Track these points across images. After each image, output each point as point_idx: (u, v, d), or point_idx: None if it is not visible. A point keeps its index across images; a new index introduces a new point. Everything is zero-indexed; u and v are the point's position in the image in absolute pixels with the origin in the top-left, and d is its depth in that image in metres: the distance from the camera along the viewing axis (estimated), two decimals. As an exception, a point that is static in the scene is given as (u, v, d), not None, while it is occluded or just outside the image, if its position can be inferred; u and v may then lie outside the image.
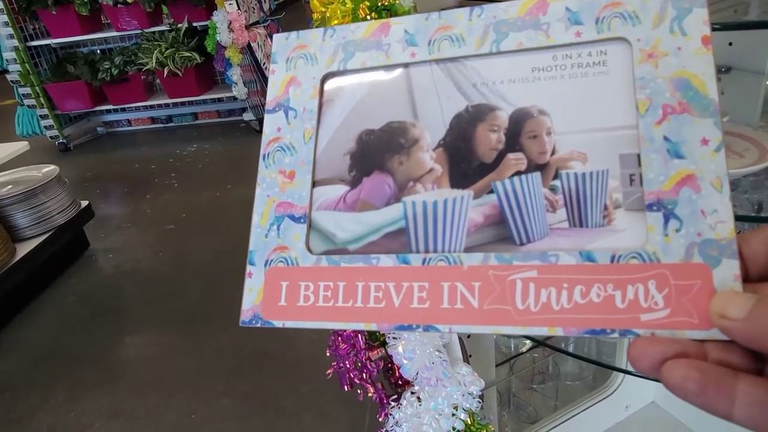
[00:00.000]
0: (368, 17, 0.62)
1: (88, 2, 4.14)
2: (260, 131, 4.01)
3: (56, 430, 1.94)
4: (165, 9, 4.37)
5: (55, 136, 4.56)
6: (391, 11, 0.65)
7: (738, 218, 0.77)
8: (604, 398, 1.38)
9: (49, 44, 4.43)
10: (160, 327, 2.42)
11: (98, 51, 4.67)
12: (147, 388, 2.08)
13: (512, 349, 1.28)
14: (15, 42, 4.19)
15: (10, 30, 4.16)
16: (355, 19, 0.62)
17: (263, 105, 4.49)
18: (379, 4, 0.62)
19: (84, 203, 3.00)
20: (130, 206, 3.66)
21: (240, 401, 1.97)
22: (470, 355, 1.12)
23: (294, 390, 1.97)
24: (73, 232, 2.92)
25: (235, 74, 4.21)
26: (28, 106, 4.43)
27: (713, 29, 0.34)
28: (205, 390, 2.03)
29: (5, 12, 4.10)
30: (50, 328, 2.49)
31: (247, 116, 4.52)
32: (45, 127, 4.51)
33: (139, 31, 4.29)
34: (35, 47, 4.37)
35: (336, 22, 0.64)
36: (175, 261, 2.91)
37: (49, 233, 2.74)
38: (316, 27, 0.74)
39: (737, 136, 0.75)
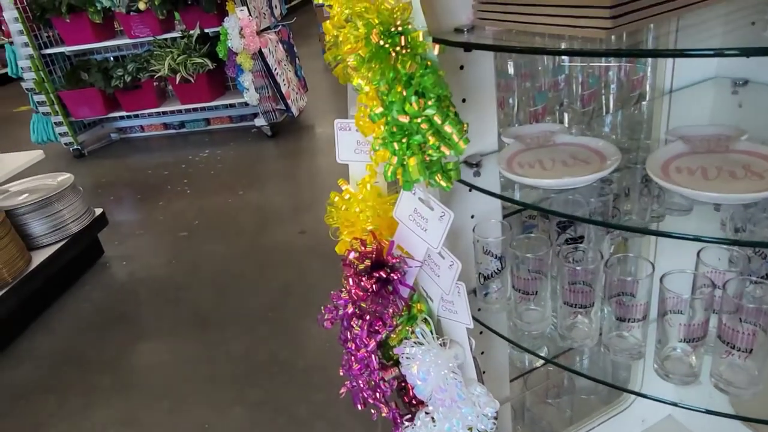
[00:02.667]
0: (381, 42, 0.61)
1: (102, 10, 4.18)
2: (271, 136, 4.00)
3: (71, 438, 1.95)
4: (177, 16, 4.40)
5: (70, 142, 4.61)
6: (404, 34, 0.64)
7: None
8: (620, 412, 1.37)
9: (63, 52, 4.48)
10: (173, 334, 2.43)
11: (111, 58, 4.71)
12: (160, 395, 2.09)
13: (526, 364, 1.27)
14: (30, 50, 4.24)
15: (25, 38, 4.21)
16: (368, 44, 0.62)
17: (275, 110, 4.53)
18: (392, 29, 0.61)
19: (98, 211, 3.03)
20: (143, 213, 3.69)
21: (252, 409, 1.97)
22: (484, 372, 1.11)
23: (306, 398, 1.97)
24: (87, 239, 2.95)
25: (246, 80, 4.23)
26: (43, 113, 4.49)
27: (730, 54, 0.33)
28: (217, 398, 2.04)
29: (20, 21, 4.15)
30: (65, 335, 2.51)
31: (259, 122, 4.53)
32: (59, 134, 4.56)
33: (152, 38, 4.32)
34: (49, 55, 4.42)
35: (348, 47, 0.63)
36: (187, 268, 2.93)
37: (64, 241, 2.77)
38: (328, 50, 0.73)
39: (757, 156, 0.73)
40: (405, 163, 0.70)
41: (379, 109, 0.68)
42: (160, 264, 3.00)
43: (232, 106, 4.76)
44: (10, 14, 4.15)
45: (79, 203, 2.88)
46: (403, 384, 0.93)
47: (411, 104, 0.65)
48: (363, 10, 0.60)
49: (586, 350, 1.08)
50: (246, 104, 4.43)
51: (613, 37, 0.68)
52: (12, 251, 2.50)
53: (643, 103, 1.05)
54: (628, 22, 0.60)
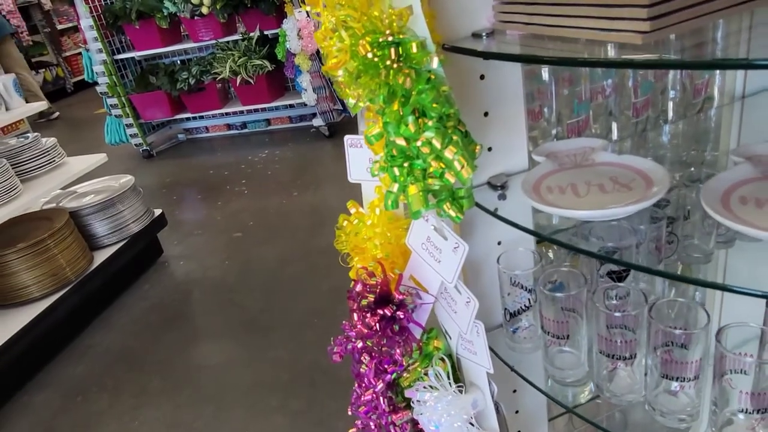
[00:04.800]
0: (369, 54, 0.53)
1: (168, 15, 4.32)
2: (329, 136, 4.00)
3: (120, 438, 2.00)
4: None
5: (139, 143, 4.81)
6: (400, 45, 0.55)
7: None
8: (682, 456, 1.21)
9: (134, 57, 4.68)
10: (222, 337, 2.45)
11: (178, 62, 4.87)
12: (205, 399, 2.10)
13: (570, 398, 1.14)
14: (103, 56, 4.45)
15: (99, 45, 4.42)
16: (354, 56, 0.53)
17: (332, 110, 4.52)
18: (381, 39, 0.52)
19: (157, 212, 3.11)
20: (202, 213, 3.78)
21: (292, 419, 1.94)
22: (517, 412, 1.00)
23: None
24: (147, 239, 3.04)
25: (304, 81, 4.24)
26: (116, 115, 4.71)
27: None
28: (259, 405, 2.03)
29: (95, 28, 4.37)
30: (123, 334, 2.59)
31: (317, 122, 4.54)
32: (130, 135, 4.77)
33: (214, 42, 4.42)
34: (121, 60, 4.63)
35: (333, 61, 0.55)
36: (239, 269, 2.96)
37: (125, 241, 2.86)
38: (323, 63, 0.66)
39: None
40: (406, 190, 0.61)
41: (376, 130, 0.60)
42: (214, 265, 3.05)
43: (291, 106, 4.79)
44: (86, 22, 4.38)
45: (139, 204, 2.97)
46: (419, 427, 0.84)
47: (408, 125, 0.55)
48: (347, 17, 0.52)
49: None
50: (305, 105, 4.45)
51: (672, 36, 0.56)
52: (75, 251, 2.61)
53: (709, 110, 0.89)
54: (671, 25, 0.48)
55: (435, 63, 0.54)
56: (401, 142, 0.57)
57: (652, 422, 1.24)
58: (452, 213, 0.62)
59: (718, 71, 0.89)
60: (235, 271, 2.95)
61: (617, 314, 0.64)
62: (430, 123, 0.55)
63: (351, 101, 0.58)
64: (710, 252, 0.88)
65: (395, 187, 0.62)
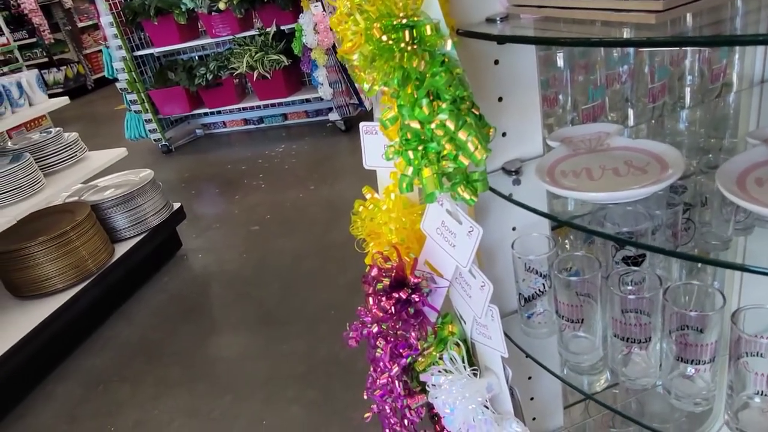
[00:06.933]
0: (384, 37, 0.53)
1: (186, 12, 4.37)
2: (345, 131, 4.01)
3: (141, 426, 2.04)
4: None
5: (158, 138, 4.87)
6: (414, 28, 0.56)
7: None
8: (700, 447, 1.20)
9: (153, 53, 4.74)
10: (239, 329, 2.48)
11: (196, 57, 4.92)
12: (223, 390, 2.13)
13: (585, 386, 1.13)
14: (123, 53, 4.52)
15: (119, 42, 4.48)
16: (369, 39, 0.54)
17: (348, 105, 4.53)
18: (396, 22, 0.53)
19: (176, 205, 3.16)
20: (220, 207, 3.82)
21: (309, 409, 1.96)
22: (532, 398, 1.01)
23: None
24: (166, 232, 3.09)
25: (320, 75, 4.26)
26: (135, 111, 4.78)
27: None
28: (276, 395, 2.05)
29: (115, 25, 4.43)
30: (143, 326, 2.64)
31: (333, 116, 4.55)
32: (149, 130, 4.84)
33: (231, 37, 4.46)
34: (141, 56, 4.69)
35: (348, 44, 0.56)
36: (257, 262, 2.99)
37: (145, 234, 2.91)
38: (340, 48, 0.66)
39: None
40: (420, 173, 0.62)
41: (391, 114, 0.60)
42: (231, 258, 3.08)
43: (307, 101, 4.82)
44: (106, 19, 4.44)
45: (158, 198, 3.01)
46: (434, 411, 0.85)
47: (422, 108, 0.56)
48: (362, 1, 0.53)
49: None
50: (321, 99, 4.47)
51: (689, 17, 0.56)
52: (97, 243, 2.66)
53: (727, 96, 0.89)
54: (685, 3, 0.48)
55: (449, 45, 0.55)
56: (415, 125, 0.58)
57: (671, 411, 1.23)
58: (466, 196, 0.63)
59: (737, 55, 0.88)
60: (252, 265, 2.98)
61: (631, 297, 0.64)
62: (444, 105, 0.56)
63: (366, 85, 0.59)
64: (728, 239, 0.87)
65: (410, 171, 0.62)
